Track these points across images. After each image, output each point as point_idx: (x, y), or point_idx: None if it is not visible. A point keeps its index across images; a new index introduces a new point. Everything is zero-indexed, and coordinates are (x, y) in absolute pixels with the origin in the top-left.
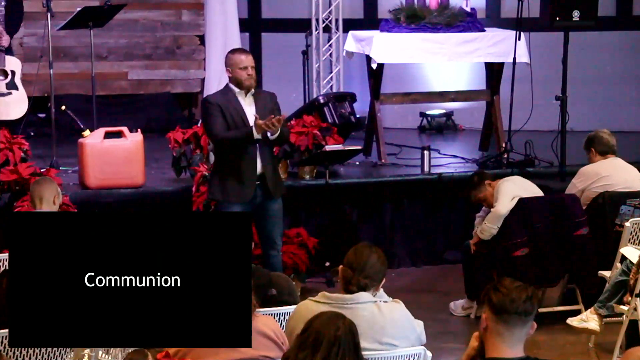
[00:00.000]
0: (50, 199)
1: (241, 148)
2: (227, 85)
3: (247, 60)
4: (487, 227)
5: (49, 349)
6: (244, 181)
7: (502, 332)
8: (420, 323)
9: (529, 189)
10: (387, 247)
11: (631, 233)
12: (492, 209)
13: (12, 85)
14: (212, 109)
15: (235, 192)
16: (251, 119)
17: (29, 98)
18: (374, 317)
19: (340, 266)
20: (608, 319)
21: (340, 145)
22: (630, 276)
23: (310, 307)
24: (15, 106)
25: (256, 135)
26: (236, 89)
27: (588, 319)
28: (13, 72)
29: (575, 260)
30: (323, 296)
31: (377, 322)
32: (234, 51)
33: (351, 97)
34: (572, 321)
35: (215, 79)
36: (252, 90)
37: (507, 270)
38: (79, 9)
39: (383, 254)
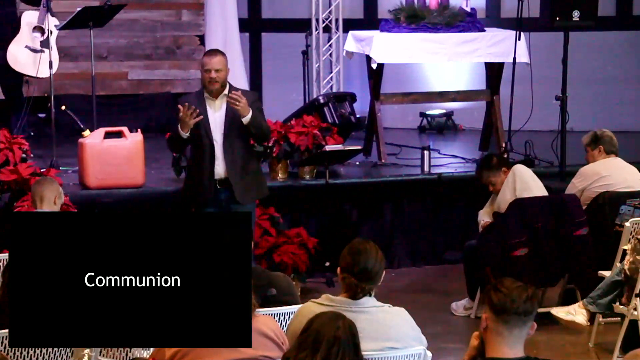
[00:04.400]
0: (51, 199)
1: (198, 150)
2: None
3: (210, 62)
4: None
5: (49, 349)
6: (201, 184)
7: (502, 332)
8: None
9: (537, 181)
10: (387, 247)
11: (631, 233)
12: (518, 187)
13: (46, 44)
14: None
15: (194, 195)
16: (214, 125)
17: (29, 98)
18: (378, 321)
19: (339, 269)
20: (608, 319)
21: (340, 145)
22: (625, 262)
23: (313, 309)
24: (44, 65)
25: (183, 134)
26: (206, 93)
27: (576, 313)
28: (50, 32)
29: (575, 260)
30: (327, 298)
31: (381, 326)
32: (205, 52)
33: (351, 97)
34: (558, 312)
35: None
36: (224, 94)
37: (506, 270)
38: (79, 9)
39: (378, 249)
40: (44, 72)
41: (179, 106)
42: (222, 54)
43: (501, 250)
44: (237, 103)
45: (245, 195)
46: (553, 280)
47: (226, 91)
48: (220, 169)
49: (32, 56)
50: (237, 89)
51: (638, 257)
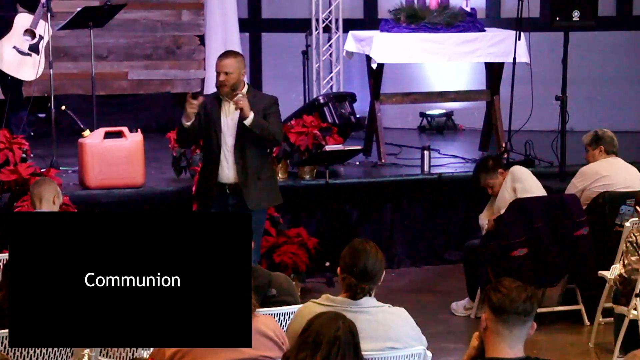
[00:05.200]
0: (50, 199)
1: (207, 152)
2: None
3: (219, 64)
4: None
5: (49, 349)
6: (208, 187)
7: (502, 332)
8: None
9: (536, 181)
10: (387, 247)
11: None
12: (518, 188)
13: (34, 48)
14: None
15: (200, 196)
16: (226, 128)
17: (28, 98)
18: (378, 321)
19: (339, 269)
20: (608, 319)
21: (340, 145)
22: (619, 267)
23: (314, 309)
24: (29, 68)
25: (185, 122)
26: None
27: None
28: (41, 37)
29: (575, 260)
30: (327, 299)
31: (381, 326)
32: (219, 55)
33: (351, 97)
34: None
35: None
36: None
37: (505, 270)
38: (79, 9)
39: (378, 249)
40: (25, 75)
41: (187, 96)
42: (235, 55)
43: (501, 250)
44: (239, 103)
45: (256, 202)
46: (553, 280)
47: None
48: (230, 173)
49: (17, 57)
50: (256, 91)
51: (632, 259)
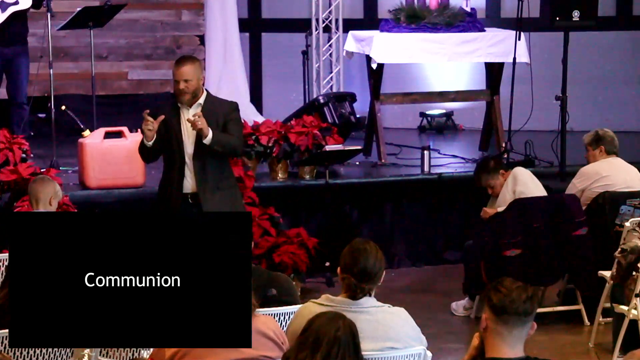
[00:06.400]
0: (45, 200)
1: (169, 161)
2: None
3: (177, 72)
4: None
5: (49, 349)
6: (170, 197)
7: (502, 332)
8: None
9: (537, 183)
10: (387, 247)
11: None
12: (518, 192)
13: (4, 6)
14: (151, 116)
15: (162, 206)
16: (187, 136)
17: (29, 98)
18: (378, 321)
19: (339, 269)
20: (608, 318)
21: (340, 145)
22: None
23: (313, 309)
24: None
25: (146, 142)
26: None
27: None
28: (17, 2)
29: (574, 260)
30: (327, 299)
31: (381, 326)
32: (175, 61)
33: (351, 97)
34: None
35: (215, 79)
36: (198, 103)
37: (497, 268)
38: (79, 9)
39: (378, 249)
40: None
41: (144, 115)
42: (192, 61)
43: (495, 249)
44: (197, 125)
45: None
46: (550, 280)
47: (202, 100)
48: (191, 183)
49: None
50: (215, 98)
51: (634, 238)
